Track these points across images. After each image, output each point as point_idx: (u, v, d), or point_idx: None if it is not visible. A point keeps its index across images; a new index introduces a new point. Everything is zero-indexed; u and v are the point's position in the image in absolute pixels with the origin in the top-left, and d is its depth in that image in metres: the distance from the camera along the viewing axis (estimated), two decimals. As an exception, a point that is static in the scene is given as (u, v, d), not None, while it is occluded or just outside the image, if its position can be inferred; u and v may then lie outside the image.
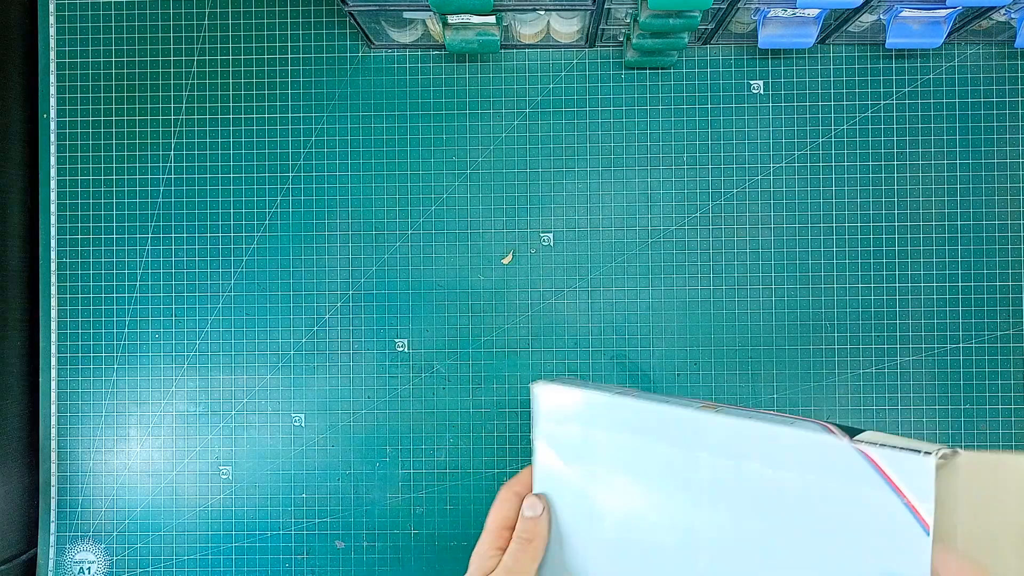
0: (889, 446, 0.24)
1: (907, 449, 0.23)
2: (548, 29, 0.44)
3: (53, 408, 0.46)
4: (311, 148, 0.46)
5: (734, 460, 0.27)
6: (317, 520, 0.46)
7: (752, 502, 0.27)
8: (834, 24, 0.42)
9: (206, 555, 0.46)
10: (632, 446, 0.31)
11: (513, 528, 0.33)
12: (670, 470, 0.29)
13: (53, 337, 0.46)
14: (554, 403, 0.34)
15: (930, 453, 0.23)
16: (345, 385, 0.46)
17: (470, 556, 0.33)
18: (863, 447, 0.24)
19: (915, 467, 0.23)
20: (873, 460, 0.24)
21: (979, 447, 0.44)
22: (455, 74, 0.46)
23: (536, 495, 0.34)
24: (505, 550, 0.32)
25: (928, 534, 0.22)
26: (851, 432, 0.25)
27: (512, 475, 0.35)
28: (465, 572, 0.32)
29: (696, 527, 0.29)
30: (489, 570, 0.32)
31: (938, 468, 0.22)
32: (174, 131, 0.46)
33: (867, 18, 0.40)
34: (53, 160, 0.46)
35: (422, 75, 0.46)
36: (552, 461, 0.33)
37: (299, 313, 0.46)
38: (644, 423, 0.30)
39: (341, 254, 0.46)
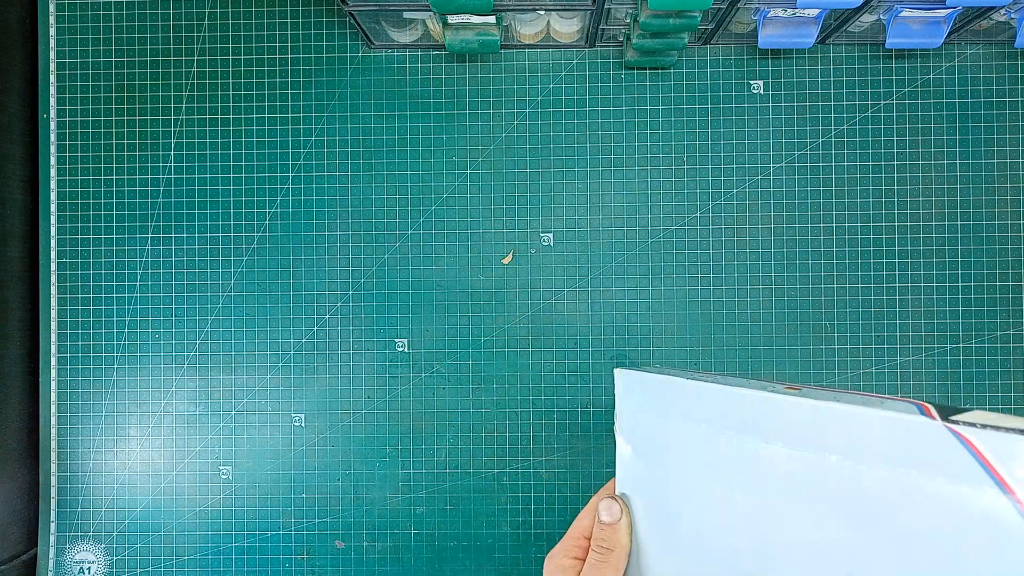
0: (992, 426, 0.18)
1: (1017, 430, 0.17)
2: (548, 29, 0.44)
3: (53, 408, 0.46)
4: (311, 148, 0.46)
5: (813, 451, 0.23)
6: (317, 520, 0.46)
7: (833, 501, 0.23)
8: (834, 24, 0.42)
9: (206, 555, 0.46)
10: (708, 437, 0.27)
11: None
12: (746, 464, 0.25)
13: (53, 337, 0.46)
14: (633, 390, 0.30)
15: None
16: (345, 385, 0.46)
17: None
18: (959, 428, 0.19)
19: None
20: (971, 444, 0.18)
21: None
22: (455, 74, 0.46)
23: (614, 497, 0.30)
24: (582, 560, 0.29)
25: None
26: (950, 412, 0.20)
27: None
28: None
29: (773, 530, 0.25)
30: None
31: None
32: (174, 131, 0.46)
33: (867, 18, 0.40)
34: (53, 160, 0.46)
35: (422, 75, 0.46)
36: (632, 457, 0.29)
37: (299, 313, 0.46)
38: (720, 409, 0.26)
39: (341, 254, 0.46)
